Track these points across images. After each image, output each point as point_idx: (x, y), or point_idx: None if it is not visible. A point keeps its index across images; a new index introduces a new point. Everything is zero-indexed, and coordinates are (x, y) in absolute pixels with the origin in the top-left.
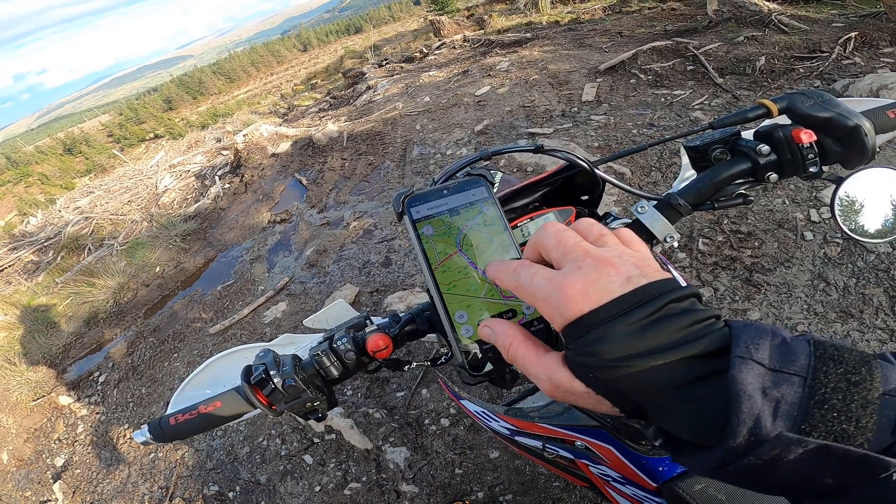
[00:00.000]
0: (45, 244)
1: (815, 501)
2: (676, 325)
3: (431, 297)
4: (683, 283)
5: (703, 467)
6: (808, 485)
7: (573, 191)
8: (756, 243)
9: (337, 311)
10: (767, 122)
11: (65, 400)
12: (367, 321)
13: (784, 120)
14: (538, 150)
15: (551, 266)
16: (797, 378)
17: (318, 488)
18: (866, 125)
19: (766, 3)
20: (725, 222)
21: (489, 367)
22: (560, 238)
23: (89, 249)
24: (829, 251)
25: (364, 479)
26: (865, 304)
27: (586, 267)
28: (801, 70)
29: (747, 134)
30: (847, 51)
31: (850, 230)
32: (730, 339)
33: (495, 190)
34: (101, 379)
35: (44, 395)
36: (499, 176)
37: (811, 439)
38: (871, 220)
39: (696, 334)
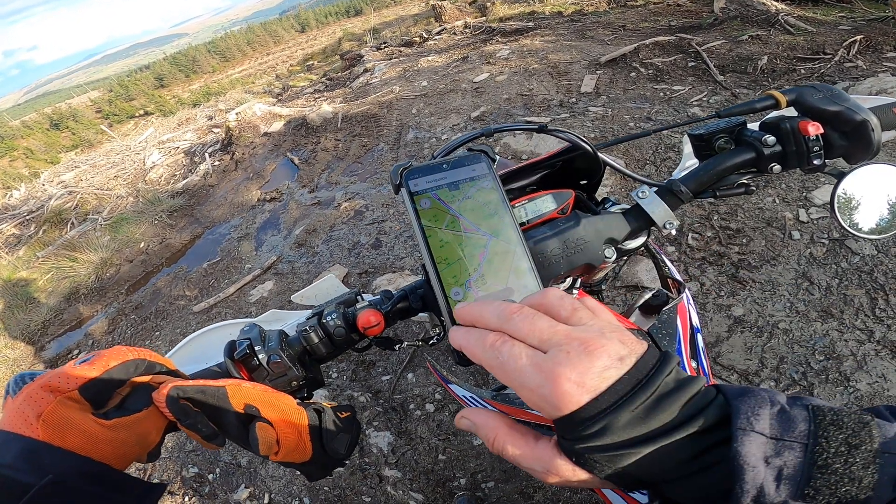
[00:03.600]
0: (28, 217)
1: None
2: (675, 404)
3: (427, 274)
4: (675, 290)
5: None
6: None
7: (572, 174)
8: (744, 240)
9: (326, 287)
10: (774, 113)
11: None
12: (359, 297)
13: (791, 112)
14: (542, 129)
15: None
16: (798, 445)
17: (299, 471)
18: (874, 121)
19: (774, 3)
20: (715, 218)
21: None
22: (531, 325)
23: (72, 224)
24: (814, 251)
25: (346, 462)
26: (846, 304)
27: (574, 351)
28: (803, 71)
29: (753, 124)
30: (851, 54)
31: (849, 226)
32: (728, 409)
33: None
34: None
35: None
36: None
37: None
38: (869, 216)
39: (694, 409)
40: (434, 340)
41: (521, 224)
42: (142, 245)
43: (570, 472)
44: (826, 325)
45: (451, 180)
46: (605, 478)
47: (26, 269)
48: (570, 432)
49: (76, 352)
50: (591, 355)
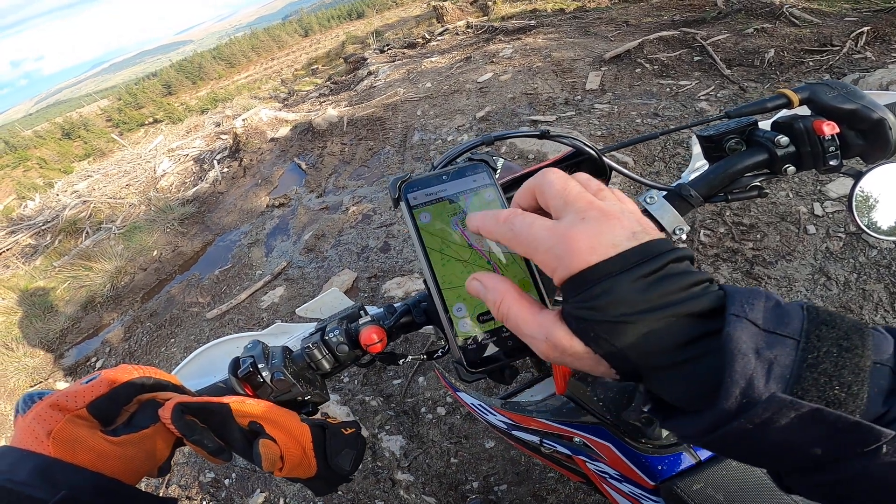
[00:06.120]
0: (43, 228)
1: (799, 476)
2: (678, 284)
3: (428, 288)
4: None
5: (692, 432)
6: (796, 454)
7: None
8: (758, 236)
9: (331, 300)
10: (786, 112)
11: (62, 386)
12: (362, 312)
13: (803, 111)
14: (544, 135)
15: (545, 215)
16: (790, 340)
17: (305, 486)
18: (891, 118)
19: None
20: (728, 214)
21: (491, 361)
22: (564, 186)
23: (87, 233)
24: (831, 246)
25: (360, 467)
26: (865, 299)
27: (591, 218)
28: (811, 63)
29: (764, 124)
30: (858, 45)
31: (866, 226)
32: (725, 300)
33: (497, 176)
34: (99, 364)
35: (41, 382)
36: (501, 162)
37: (804, 402)
38: (888, 216)
39: (695, 294)
40: (439, 354)
41: None
42: (155, 253)
43: (567, 340)
44: None
45: (451, 192)
46: (598, 352)
47: (43, 278)
48: (574, 293)
49: (94, 359)
50: (607, 224)
